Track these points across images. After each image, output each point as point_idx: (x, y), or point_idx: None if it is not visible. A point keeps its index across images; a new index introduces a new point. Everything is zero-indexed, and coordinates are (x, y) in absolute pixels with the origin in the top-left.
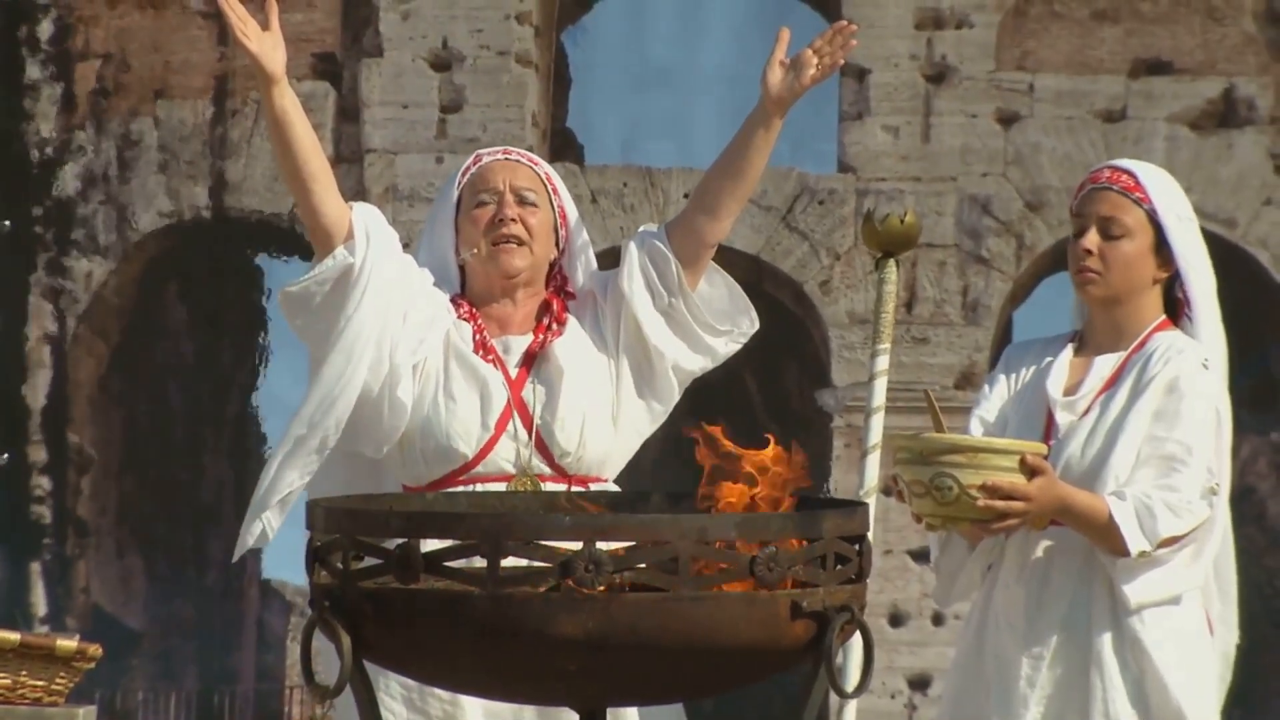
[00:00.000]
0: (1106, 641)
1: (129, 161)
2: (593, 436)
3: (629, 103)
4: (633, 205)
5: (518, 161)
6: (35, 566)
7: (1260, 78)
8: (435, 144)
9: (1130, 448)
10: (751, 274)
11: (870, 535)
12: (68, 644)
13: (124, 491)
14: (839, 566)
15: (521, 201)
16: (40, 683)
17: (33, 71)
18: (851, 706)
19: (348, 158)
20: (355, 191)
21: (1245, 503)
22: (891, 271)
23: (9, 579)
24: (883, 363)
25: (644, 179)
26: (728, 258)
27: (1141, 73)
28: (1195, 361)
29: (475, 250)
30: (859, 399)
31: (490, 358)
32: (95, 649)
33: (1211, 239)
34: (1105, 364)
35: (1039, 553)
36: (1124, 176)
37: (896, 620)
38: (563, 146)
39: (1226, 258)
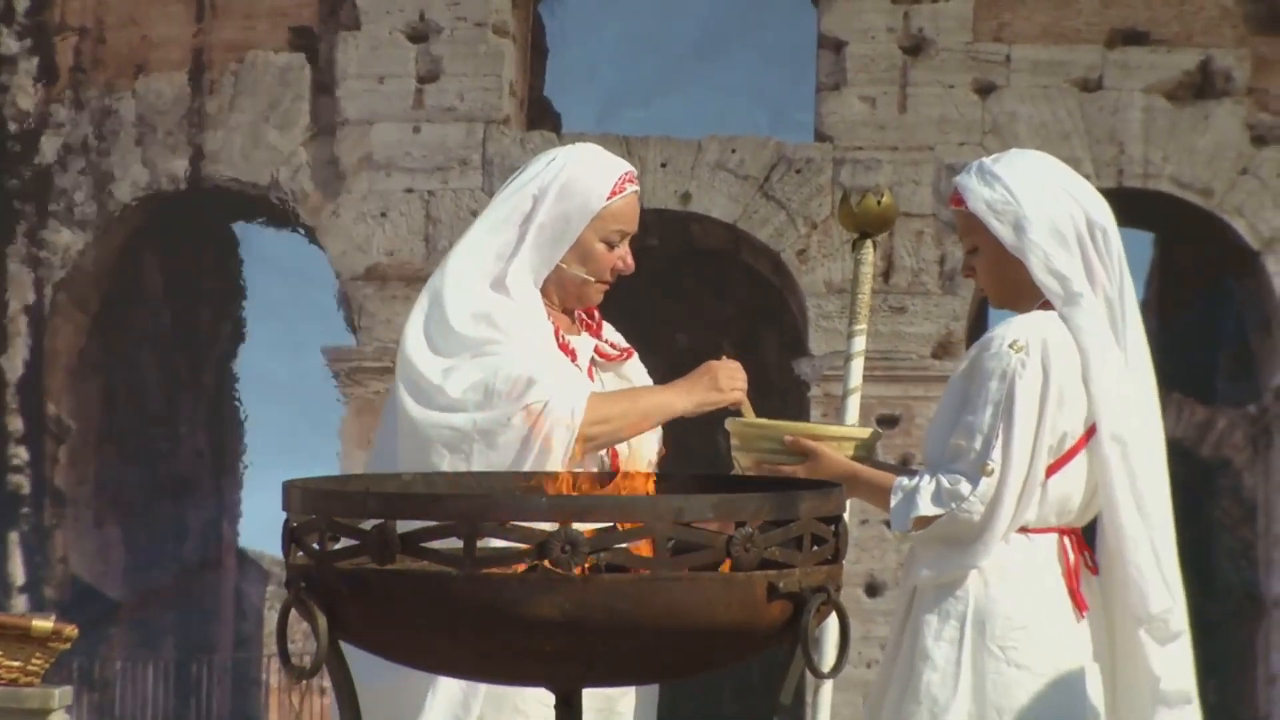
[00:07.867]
0: (929, 625)
1: (107, 133)
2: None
3: (607, 72)
4: None
5: (638, 196)
6: (13, 536)
7: (1237, 49)
8: (412, 114)
9: (945, 436)
10: (729, 243)
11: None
12: (44, 625)
13: (102, 461)
14: (815, 548)
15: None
16: (16, 663)
17: (10, 45)
18: (828, 686)
19: (324, 129)
20: (330, 161)
21: (1222, 475)
22: (868, 253)
23: None
24: (859, 344)
25: (621, 147)
26: (705, 226)
27: (1118, 43)
28: (999, 342)
29: (590, 279)
30: (836, 368)
31: (573, 359)
32: (71, 629)
33: (1188, 208)
34: None
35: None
36: (954, 195)
37: (873, 590)
38: (540, 115)
39: (1204, 227)
